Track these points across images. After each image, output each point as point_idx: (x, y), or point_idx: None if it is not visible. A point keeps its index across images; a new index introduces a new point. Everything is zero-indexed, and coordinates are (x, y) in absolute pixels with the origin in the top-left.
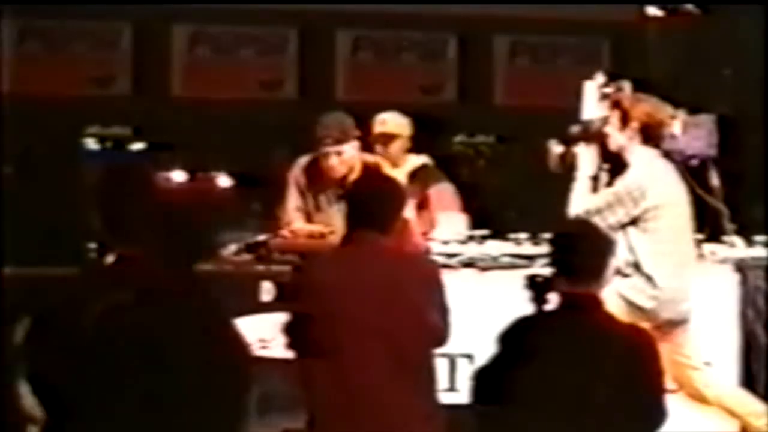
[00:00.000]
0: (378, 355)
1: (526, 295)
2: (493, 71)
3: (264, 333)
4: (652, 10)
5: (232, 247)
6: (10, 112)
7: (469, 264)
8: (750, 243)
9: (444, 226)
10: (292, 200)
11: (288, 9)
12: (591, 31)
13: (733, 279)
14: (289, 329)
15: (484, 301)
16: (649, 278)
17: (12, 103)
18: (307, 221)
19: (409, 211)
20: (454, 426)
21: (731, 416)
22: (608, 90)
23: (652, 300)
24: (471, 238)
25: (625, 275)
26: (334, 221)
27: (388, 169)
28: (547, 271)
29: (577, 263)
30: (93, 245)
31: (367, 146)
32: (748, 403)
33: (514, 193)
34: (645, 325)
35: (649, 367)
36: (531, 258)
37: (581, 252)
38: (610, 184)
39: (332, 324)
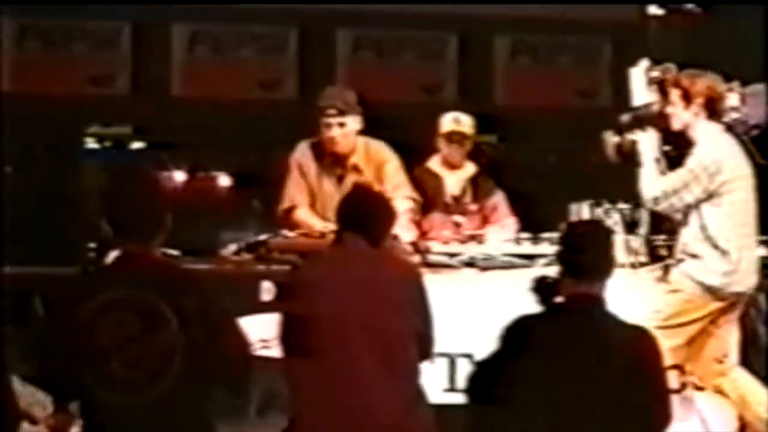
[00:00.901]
0: (360, 350)
1: (533, 296)
2: (493, 71)
3: (264, 333)
4: (653, 9)
5: (232, 247)
6: (9, 111)
7: (469, 263)
8: None
9: (502, 234)
10: (292, 184)
11: (288, 9)
12: (592, 31)
13: None
14: (279, 329)
15: (484, 301)
16: (724, 253)
17: (12, 103)
18: (310, 202)
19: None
20: (454, 426)
21: (740, 403)
22: (655, 74)
23: (725, 276)
24: (472, 237)
25: (694, 255)
26: (335, 202)
27: (446, 170)
28: (554, 273)
29: (582, 262)
30: (93, 245)
31: (371, 128)
32: (760, 393)
33: (515, 192)
34: (715, 305)
35: (652, 367)
36: (531, 257)
37: (586, 251)
38: (676, 164)
39: (316, 322)
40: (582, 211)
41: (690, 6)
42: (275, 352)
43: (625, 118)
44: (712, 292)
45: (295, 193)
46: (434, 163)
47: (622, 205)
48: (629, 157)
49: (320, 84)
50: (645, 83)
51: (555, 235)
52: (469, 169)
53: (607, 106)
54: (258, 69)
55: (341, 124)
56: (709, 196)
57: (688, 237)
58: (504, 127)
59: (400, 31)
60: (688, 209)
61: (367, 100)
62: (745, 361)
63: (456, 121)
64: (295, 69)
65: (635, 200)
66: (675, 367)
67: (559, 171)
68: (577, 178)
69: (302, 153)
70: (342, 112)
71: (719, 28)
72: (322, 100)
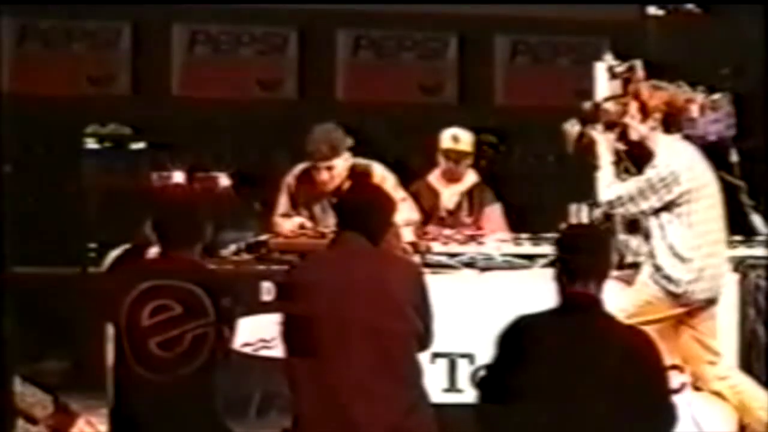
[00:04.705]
0: (360, 351)
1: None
2: (493, 71)
3: (264, 333)
4: (653, 10)
5: (232, 247)
6: (10, 111)
7: (469, 264)
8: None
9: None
10: (282, 207)
11: (288, 9)
12: (591, 31)
13: (732, 278)
14: (279, 329)
15: (484, 301)
16: (685, 261)
17: (12, 103)
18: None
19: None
20: (454, 426)
21: (741, 407)
22: (620, 69)
23: (689, 284)
24: (472, 238)
25: (657, 265)
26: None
27: (444, 184)
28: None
29: (577, 265)
30: (93, 245)
31: (370, 148)
32: (760, 396)
33: (514, 193)
34: (680, 309)
35: (651, 367)
36: (531, 258)
37: (582, 254)
38: (638, 164)
39: (316, 322)
40: (581, 211)
41: (690, 6)
42: (275, 352)
43: (587, 105)
44: (675, 297)
45: (281, 216)
46: (434, 177)
47: None
48: (587, 150)
49: (320, 84)
50: (608, 77)
51: (555, 235)
52: (468, 181)
53: None
54: (258, 69)
55: (329, 168)
56: (668, 206)
57: (653, 245)
58: (503, 127)
59: (400, 31)
60: (644, 217)
61: (367, 101)
62: (746, 362)
63: (454, 139)
64: (295, 69)
65: None
66: (674, 367)
67: (559, 171)
68: (576, 179)
69: (294, 178)
70: (327, 157)
71: (719, 28)
72: (309, 144)
